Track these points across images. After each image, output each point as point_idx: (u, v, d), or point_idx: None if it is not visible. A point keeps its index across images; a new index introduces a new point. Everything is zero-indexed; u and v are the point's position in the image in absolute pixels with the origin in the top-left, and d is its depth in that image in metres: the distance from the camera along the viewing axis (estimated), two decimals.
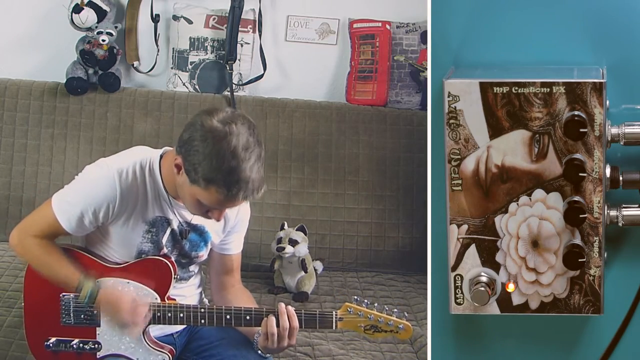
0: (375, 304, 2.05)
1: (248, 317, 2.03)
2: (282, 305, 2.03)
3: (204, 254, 2.15)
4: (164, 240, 2.07)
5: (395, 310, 2.05)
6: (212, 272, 2.24)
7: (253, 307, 2.07)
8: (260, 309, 2.05)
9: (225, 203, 1.92)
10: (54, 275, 2.06)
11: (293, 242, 3.07)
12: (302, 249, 3.09)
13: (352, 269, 3.40)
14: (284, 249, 3.05)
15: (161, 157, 2.04)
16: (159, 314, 2.05)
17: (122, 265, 2.07)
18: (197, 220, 2.08)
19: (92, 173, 2.02)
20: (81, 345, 2.09)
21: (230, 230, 2.17)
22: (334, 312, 2.04)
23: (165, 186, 2.03)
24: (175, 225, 2.07)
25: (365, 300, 2.05)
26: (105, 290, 2.03)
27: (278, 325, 2.01)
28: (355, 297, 2.06)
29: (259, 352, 2.10)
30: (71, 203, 2.02)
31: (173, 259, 2.08)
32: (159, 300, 2.05)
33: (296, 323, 2.02)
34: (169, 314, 2.05)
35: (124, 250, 2.06)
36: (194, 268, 2.17)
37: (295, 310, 2.04)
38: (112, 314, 2.04)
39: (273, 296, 3.09)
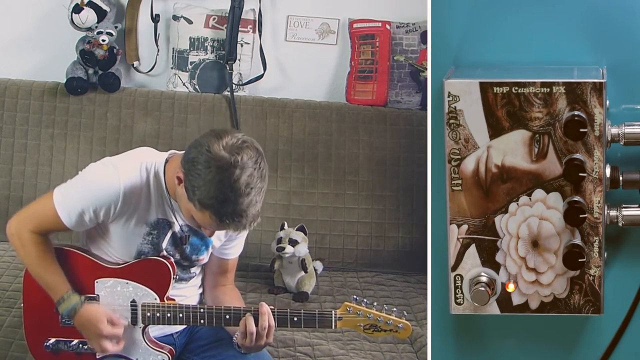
0: (375, 303, 2.05)
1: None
2: (264, 305, 2.03)
3: (204, 257, 2.15)
4: (164, 243, 2.06)
5: (395, 309, 2.05)
6: (208, 270, 2.24)
7: (252, 306, 2.07)
8: (238, 309, 2.06)
9: (216, 228, 1.94)
10: (42, 278, 2.06)
11: (293, 242, 3.07)
12: (302, 249, 3.09)
13: (352, 269, 3.40)
14: (284, 249, 3.05)
15: (166, 161, 2.04)
16: (158, 314, 2.05)
17: (121, 266, 2.06)
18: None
19: (96, 171, 2.02)
20: (80, 345, 2.09)
21: (232, 235, 2.17)
22: (333, 312, 2.04)
23: (169, 190, 2.02)
24: (176, 228, 2.07)
25: (365, 300, 2.05)
26: (86, 308, 2.03)
27: (257, 324, 2.01)
28: (355, 296, 2.06)
29: (238, 349, 2.10)
30: (73, 198, 2.01)
31: (175, 261, 2.08)
32: (158, 301, 2.05)
33: (272, 322, 2.03)
34: (169, 314, 2.05)
35: (124, 249, 2.06)
36: (195, 270, 2.17)
37: (295, 310, 2.05)
38: (89, 332, 2.04)
39: (273, 296, 3.09)
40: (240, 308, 2.05)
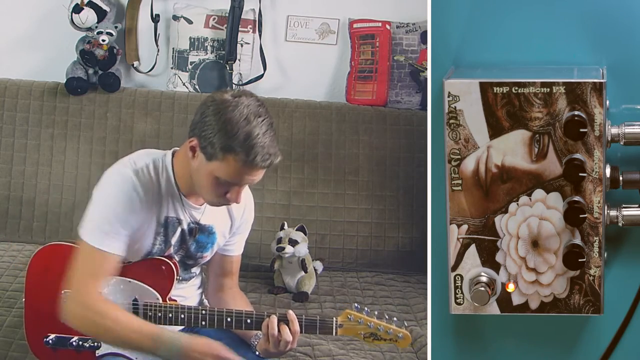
0: (376, 312, 2.05)
1: (249, 321, 2.03)
2: (292, 312, 2.02)
3: (208, 255, 2.15)
4: (174, 240, 2.06)
5: (395, 318, 2.05)
6: (211, 273, 2.23)
7: (254, 311, 2.07)
8: (261, 313, 2.04)
9: (244, 172, 1.91)
10: (135, 331, 1.95)
11: (293, 242, 3.07)
12: (302, 249, 3.09)
13: (352, 269, 3.40)
14: (284, 249, 3.05)
15: (173, 155, 2.04)
16: (159, 314, 2.04)
17: (124, 265, 2.05)
18: (205, 220, 2.08)
19: (110, 185, 1.97)
20: (80, 342, 2.09)
21: (235, 231, 2.17)
22: (334, 319, 2.04)
23: (178, 183, 2.02)
24: (185, 225, 2.07)
25: (366, 308, 2.05)
26: (192, 341, 1.97)
27: (279, 329, 2.00)
28: (356, 304, 2.06)
29: (257, 354, 2.09)
30: (106, 227, 1.94)
31: (178, 259, 2.08)
32: (160, 301, 2.05)
33: (298, 327, 2.02)
34: (170, 315, 2.04)
35: (133, 251, 2.03)
36: (195, 269, 2.17)
37: (296, 315, 2.04)
38: None
39: (273, 296, 3.09)
40: (242, 311, 2.04)
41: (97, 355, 2.09)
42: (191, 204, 2.05)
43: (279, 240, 3.09)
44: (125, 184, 1.95)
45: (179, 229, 2.06)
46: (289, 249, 3.05)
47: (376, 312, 2.05)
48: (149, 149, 2.12)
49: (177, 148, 2.06)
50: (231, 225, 2.14)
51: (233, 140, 1.87)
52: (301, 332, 2.03)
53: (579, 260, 1.60)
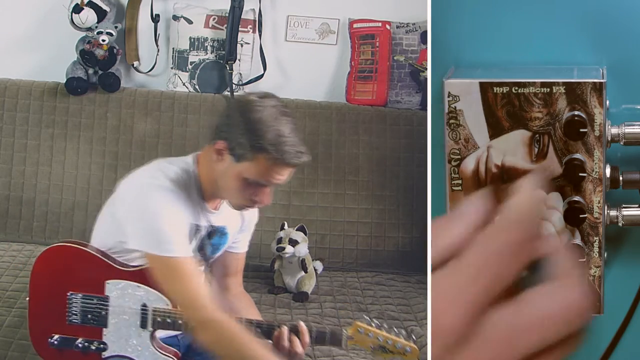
0: (384, 325, 2.05)
1: (259, 330, 2.02)
2: (302, 324, 2.02)
3: (218, 255, 2.15)
4: (191, 248, 2.05)
5: (404, 331, 2.05)
6: (216, 274, 2.23)
7: (265, 320, 2.06)
8: (272, 323, 2.04)
9: (274, 171, 1.92)
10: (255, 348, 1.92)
11: (293, 242, 3.07)
12: (302, 249, 3.09)
13: (352, 269, 3.40)
14: (284, 249, 3.05)
15: (195, 161, 2.04)
16: (169, 320, 2.01)
17: (133, 269, 2.03)
18: (219, 222, 2.08)
19: (156, 201, 1.94)
20: (86, 344, 2.08)
21: (243, 229, 2.19)
22: (344, 331, 2.04)
23: (202, 186, 2.01)
24: (203, 231, 2.07)
25: (375, 321, 2.05)
26: None
27: (289, 339, 2.00)
28: (366, 316, 2.06)
29: None
30: (172, 232, 1.93)
31: None
32: (170, 306, 2.03)
33: (308, 339, 2.02)
34: (180, 322, 2.01)
35: None
36: (201, 268, 2.17)
37: (305, 325, 2.04)
38: None
39: (273, 296, 3.09)
40: (253, 321, 2.03)
41: (103, 357, 2.08)
42: (208, 209, 2.04)
43: (279, 240, 3.09)
44: (168, 194, 1.93)
45: (199, 235, 2.05)
46: (289, 249, 3.05)
47: (384, 325, 2.05)
48: (161, 158, 2.09)
49: (199, 152, 2.05)
50: (242, 224, 2.15)
51: (263, 139, 1.88)
52: (312, 343, 2.03)
53: (579, 260, 1.60)
